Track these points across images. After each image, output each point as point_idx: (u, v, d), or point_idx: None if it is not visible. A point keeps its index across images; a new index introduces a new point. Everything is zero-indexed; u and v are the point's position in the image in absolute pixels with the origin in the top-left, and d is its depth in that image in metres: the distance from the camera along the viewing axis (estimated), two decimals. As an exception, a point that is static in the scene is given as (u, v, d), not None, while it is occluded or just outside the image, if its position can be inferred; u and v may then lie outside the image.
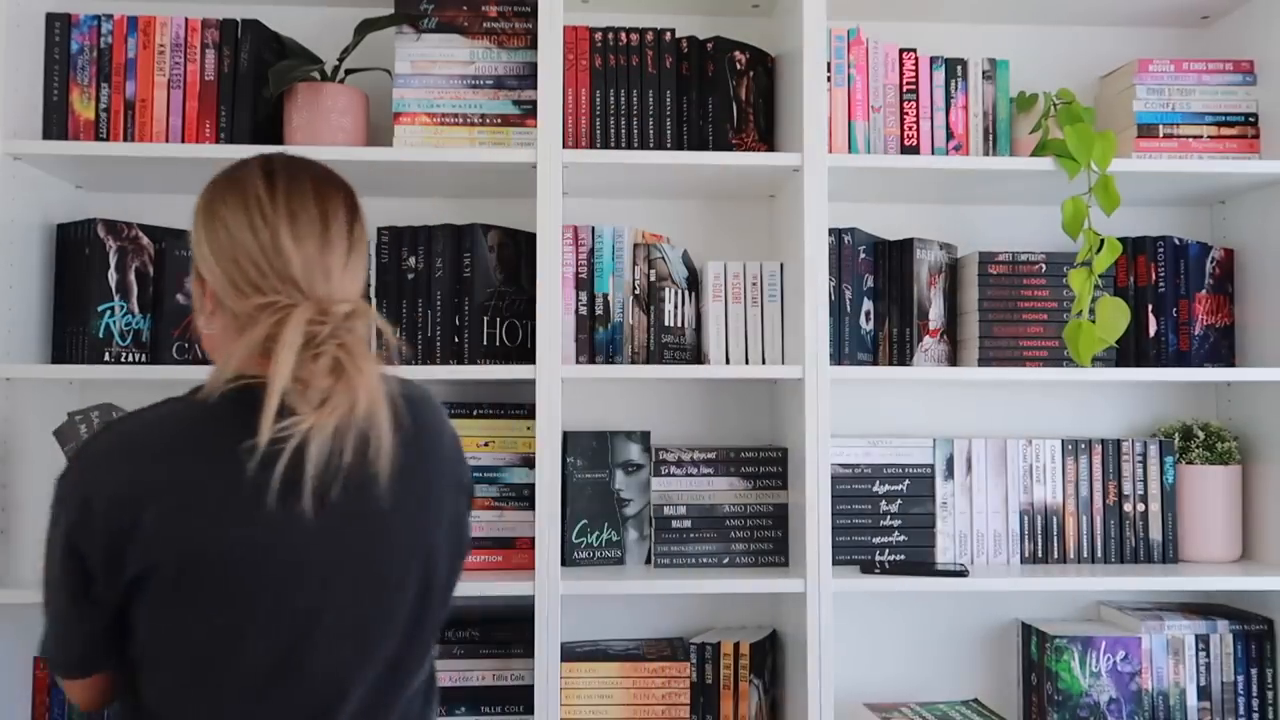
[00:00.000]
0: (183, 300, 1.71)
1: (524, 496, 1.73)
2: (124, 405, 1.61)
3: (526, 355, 1.76)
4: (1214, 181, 1.82)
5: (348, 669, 1.00)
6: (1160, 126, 1.81)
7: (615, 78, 1.75)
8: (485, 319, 1.73)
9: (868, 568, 1.76)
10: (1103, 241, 1.67)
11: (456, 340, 1.71)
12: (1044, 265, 1.80)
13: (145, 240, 1.70)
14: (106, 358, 1.65)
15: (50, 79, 1.69)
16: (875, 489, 1.82)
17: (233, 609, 0.96)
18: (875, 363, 1.83)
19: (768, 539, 1.77)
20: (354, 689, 1.00)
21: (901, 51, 1.81)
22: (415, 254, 1.72)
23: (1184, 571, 1.75)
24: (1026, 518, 1.83)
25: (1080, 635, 1.79)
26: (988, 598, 1.96)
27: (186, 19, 1.71)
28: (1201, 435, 1.86)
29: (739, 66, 1.80)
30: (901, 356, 1.81)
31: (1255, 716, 1.79)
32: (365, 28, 1.69)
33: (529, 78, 1.71)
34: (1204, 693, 1.79)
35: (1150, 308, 1.84)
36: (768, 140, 1.84)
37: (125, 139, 1.69)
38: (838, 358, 1.76)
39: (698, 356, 1.81)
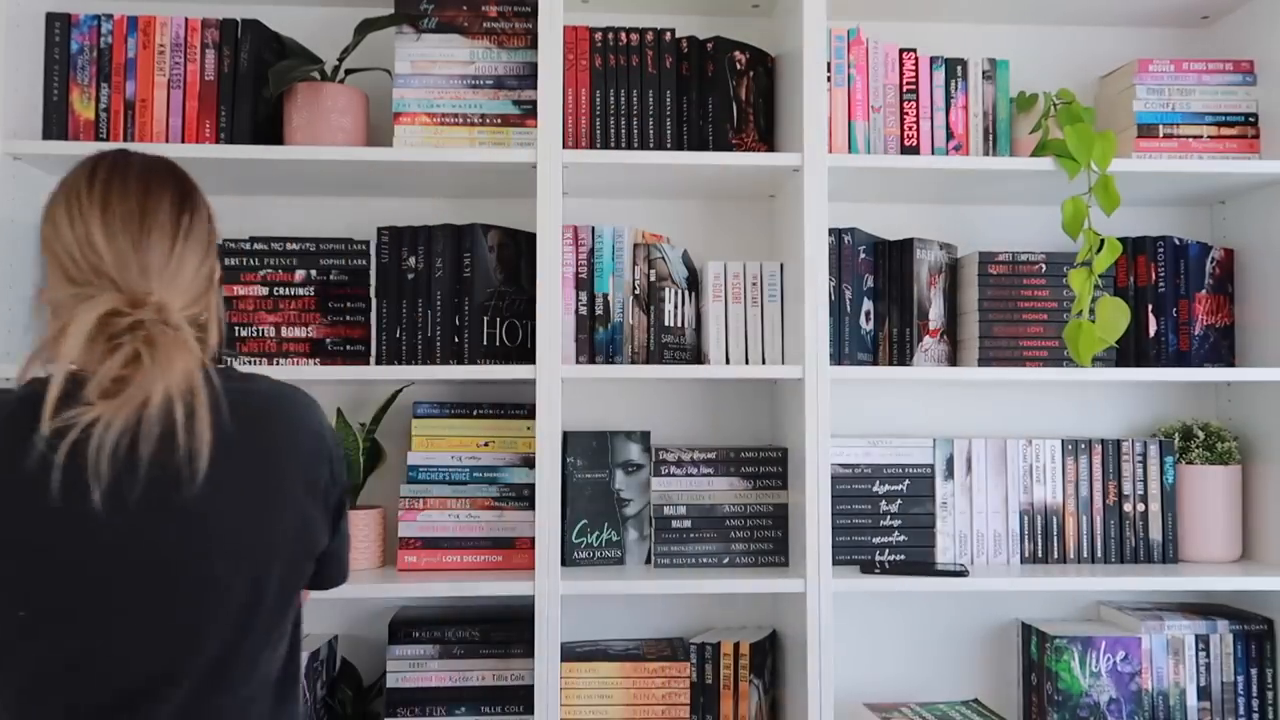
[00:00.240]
0: (183, 300, 1.71)
1: (524, 496, 1.73)
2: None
3: (526, 355, 1.76)
4: (1214, 181, 1.82)
5: (157, 668, 0.98)
6: (1160, 126, 1.81)
7: (615, 78, 1.75)
8: (485, 319, 1.73)
9: (868, 568, 1.76)
10: (1103, 241, 1.67)
11: (456, 340, 1.71)
12: (1044, 265, 1.80)
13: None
14: (106, 358, 1.64)
15: (50, 79, 1.69)
16: (875, 489, 1.82)
17: (19, 605, 0.95)
18: (875, 363, 1.83)
19: (768, 539, 1.77)
20: (168, 689, 0.98)
21: (901, 51, 1.81)
22: (415, 254, 1.72)
23: (1184, 571, 1.75)
24: (1026, 518, 1.83)
25: (1080, 635, 1.79)
26: (988, 598, 1.96)
27: (186, 19, 1.71)
28: (1201, 435, 1.86)
29: (739, 66, 1.80)
30: (901, 356, 1.81)
31: (1255, 716, 1.79)
32: (365, 28, 1.69)
33: (529, 78, 1.71)
34: (1204, 693, 1.79)
35: (1150, 308, 1.84)
36: (768, 140, 1.84)
37: (125, 139, 1.69)
38: (838, 358, 1.76)
39: (698, 356, 1.81)
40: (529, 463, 1.74)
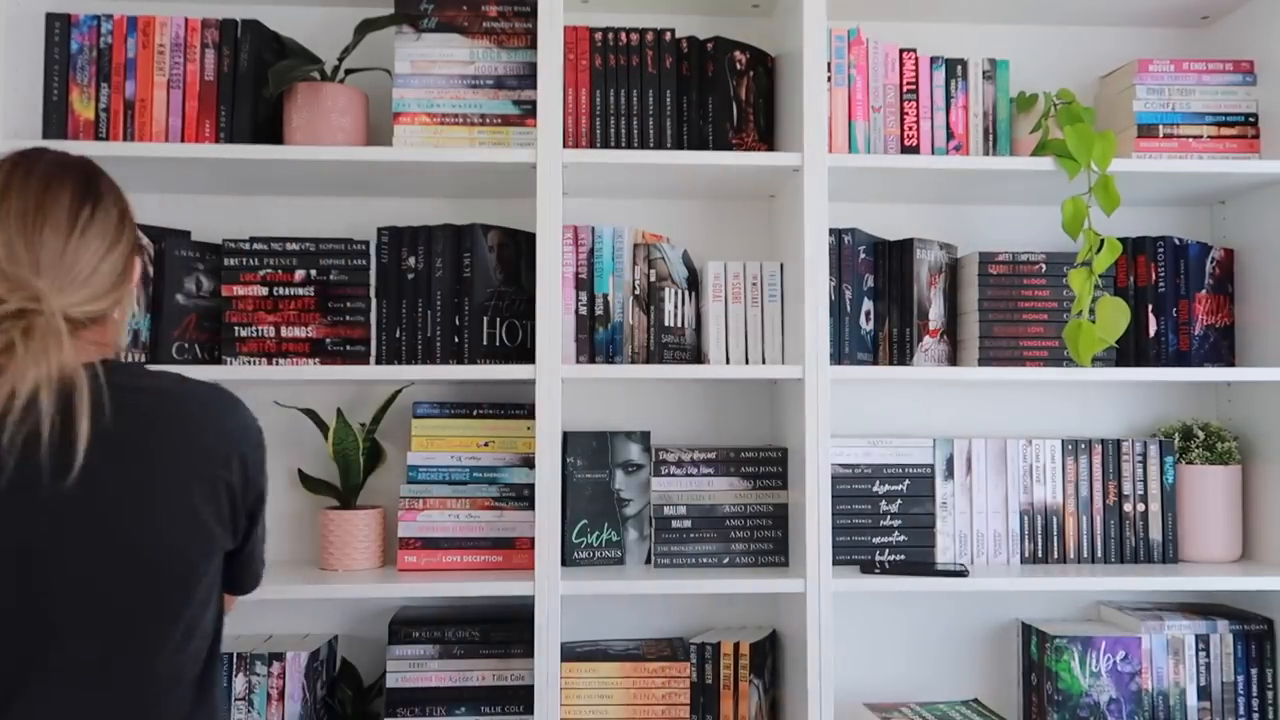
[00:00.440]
0: (182, 300, 1.71)
1: (524, 496, 1.73)
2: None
3: (526, 355, 1.76)
4: (1214, 181, 1.82)
5: (20, 660, 0.98)
6: (1160, 126, 1.81)
7: (615, 78, 1.75)
8: (485, 319, 1.73)
9: (868, 568, 1.76)
10: (1103, 241, 1.67)
11: (456, 340, 1.71)
12: (1044, 265, 1.80)
13: (145, 240, 1.70)
14: (106, 358, 1.65)
15: (50, 79, 1.69)
16: (875, 489, 1.82)
17: None
18: (875, 363, 1.83)
19: (768, 539, 1.77)
20: (41, 688, 0.98)
21: (901, 51, 1.81)
22: (415, 254, 1.72)
23: (1184, 571, 1.75)
24: (1026, 518, 1.83)
25: (1080, 635, 1.79)
26: (988, 598, 1.96)
27: (186, 19, 1.71)
28: (1201, 435, 1.86)
29: (739, 66, 1.80)
30: (901, 356, 1.81)
31: (1255, 716, 1.79)
32: (365, 28, 1.69)
33: (529, 78, 1.71)
34: (1204, 693, 1.79)
35: (1150, 308, 1.84)
36: (768, 140, 1.84)
37: (125, 139, 1.69)
38: (838, 358, 1.76)
39: (698, 356, 1.81)
40: (529, 463, 1.74)
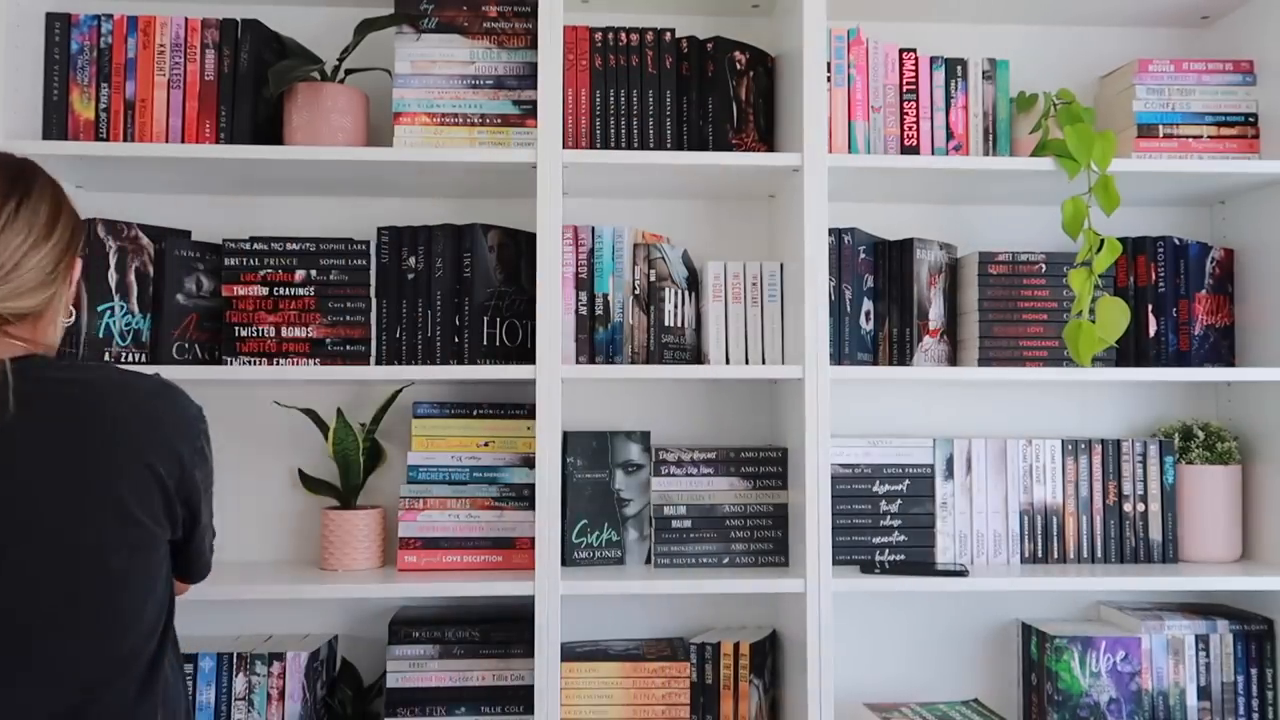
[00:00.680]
0: (183, 300, 1.71)
1: (524, 496, 1.73)
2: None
3: (526, 355, 1.76)
4: (1214, 181, 1.82)
5: None
6: (1160, 126, 1.81)
7: (615, 78, 1.75)
8: (485, 319, 1.73)
9: (868, 568, 1.76)
10: (1103, 241, 1.67)
11: (456, 340, 1.71)
12: (1044, 265, 1.80)
13: (145, 240, 1.70)
14: (106, 358, 1.65)
15: (50, 79, 1.69)
16: (875, 489, 1.82)
17: None
18: (875, 363, 1.83)
19: (768, 539, 1.77)
20: None
21: (901, 51, 1.81)
22: (415, 254, 1.72)
23: (1184, 571, 1.75)
24: (1026, 518, 1.83)
25: (1080, 635, 1.79)
26: (988, 598, 1.96)
27: (186, 19, 1.71)
28: (1201, 435, 1.86)
29: (739, 66, 1.80)
30: (901, 356, 1.81)
31: (1255, 716, 1.79)
32: (365, 28, 1.69)
33: (529, 78, 1.71)
34: (1204, 693, 1.79)
35: (1150, 308, 1.84)
36: (768, 140, 1.84)
37: (125, 139, 1.69)
38: (838, 358, 1.76)
39: (698, 356, 1.81)
40: (529, 463, 1.74)
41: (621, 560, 1.79)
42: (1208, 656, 1.79)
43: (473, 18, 1.72)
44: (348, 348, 1.70)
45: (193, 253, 1.73)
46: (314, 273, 1.71)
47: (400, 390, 1.83)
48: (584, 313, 1.75)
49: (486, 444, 1.75)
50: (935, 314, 1.81)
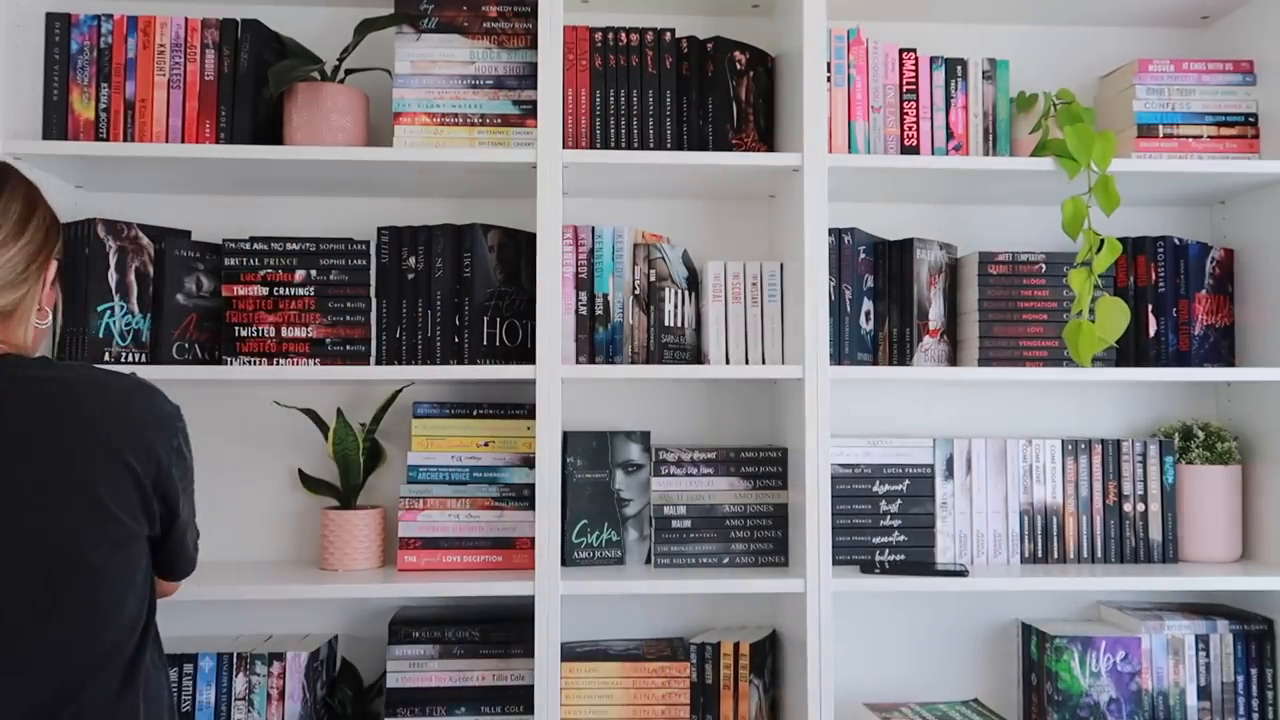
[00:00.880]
0: (183, 300, 1.71)
1: (524, 496, 1.73)
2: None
3: (526, 355, 1.76)
4: (1214, 181, 1.82)
5: None
6: (1160, 126, 1.81)
7: (615, 78, 1.75)
8: (485, 319, 1.73)
9: (868, 568, 1.76)
10: (1103, 241, 1.67)
11: (456, 340, 1.71)
12: (1044, 265, 1.80)
13: (145, 240, 1.70)
14: (106, 358, 1.65)
15: (50, 79, 1.69)
16: (875, 489, 1.82)
17: None
18: (875, 363, 1.83)
19: (768, 539, 1.77)
20: None
21: (901, 51, 1.81)
22: (415, 254, 1.72)
23: (1184, 571, 1.75)
24: (1026, 518, 1.83)
25: (1080, 635, 1.79)
26: (988, 598, 1.96)
27: (186, 19, 1.71)
28: (1201, 435, 1.86)
29: (739, 66, 1.80)
30: (901, 356, 1.81)
31: (1255, 716, 1.79)
32: (365, 28, 1.69)
33: (529, 78, 1.71)
34: (1204, 693, 1.79)
35: (1150, 308, 1.84)
36: (768, 140, 1.84)
37: (125, 139, 1.69)
38: (838, 358, 1.76)
39: (698, 356, 1.81)
40: (529, 463, 1.74)
41: (621, 560, 1.79)
42: (1208, 656, 1.79)
43: (473, 18, 1.72)
44: (348, 348, 1.70)
45: (193, 253, 1.73)
46: (314, 273, 1.71)
47: (400, 390, 1.83)
48: (584, 313, 1.75)
49: (486, 444, 1.75)
50: (935, 314, 1.81)
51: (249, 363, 1.68)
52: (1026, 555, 1.83)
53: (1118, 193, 1.68)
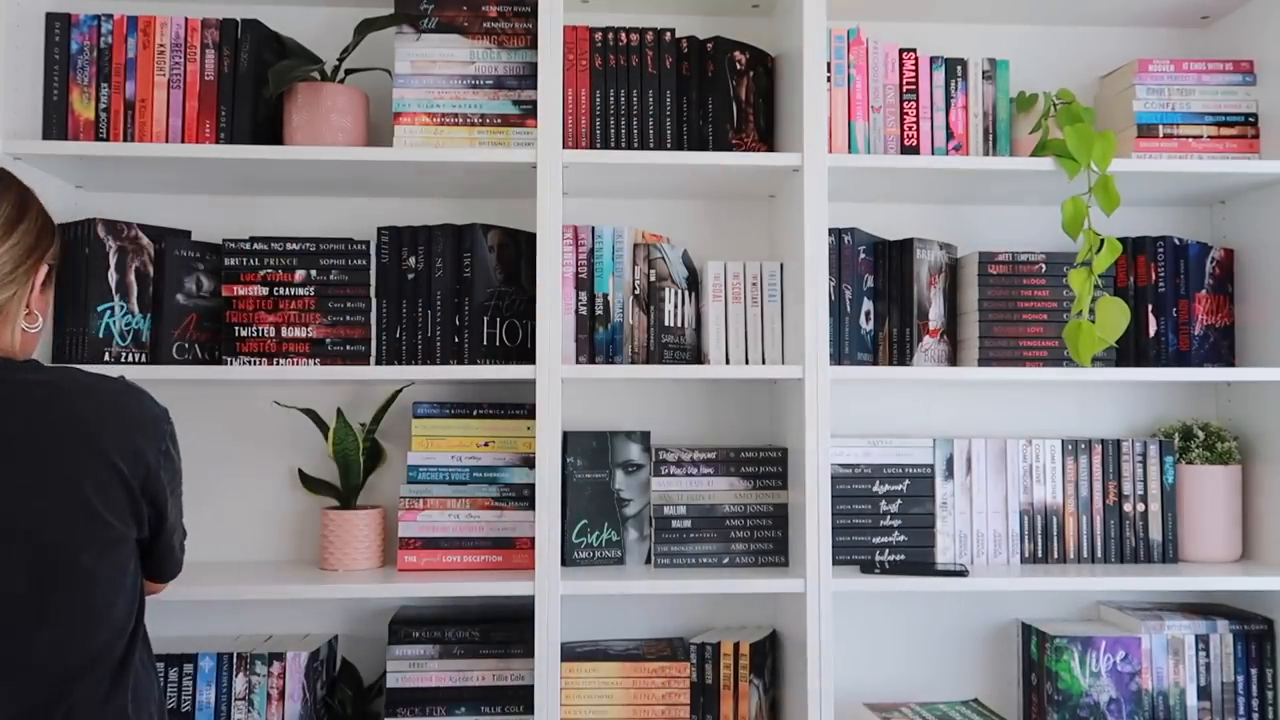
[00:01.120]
0: (183, 300, 1.71)
1: (524, 496, 1.73)
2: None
3: (526, 355, 1.76)
4: (1214, 181, 1.82)
5: None
6: (1160, 126, 1.81)
7: (615, 78, 1.75)
8: (485, 319, 1.73)
9: (868, 568, 1.76)
10: (1103, 241, 1.67)
11: (456, 340, 1.71)
12: (1044, 265, 1.80)
13: (145, 240, 1.70)
14: (106, 358, 1.65)
15: (50, 79, 1.69)
16: (875, 489, 1.82)
17: None
18: (875, 363, 1.83)
19: (768, 539, 1.77)
20: None
21: (901, 51, 1.81)
22: (415, 254, 1.72)
23: (1184, 571, 1.75)
24: (1026, 518, 1.83)
25: (1080, 635, 1.79)
26: (988, 598, 1.96)
27: (186, 19, 1.71)
28: (1201, 435, 1.86)
29: (739, 66, 1.80)
30: (901, 356, 1.81)
31: (1255, 716, 1.79)
32: (365, 28, 1.69)
33: (529, 78, 1.71)
34: (1204, 693, 1.79)
35: (1150, 308, 1.84)
36: (768, 140, 1.84)
37: (125, 139, 1.69)
38: (838, 358, 1.76)
39: (698, 356, 1.81)
40: (529, 463, 1.74)
41: (621, 560, 1.79)
42: (1208, 656, 1.79)
43: (473, 18, 1.72)
44: (348, 348, 1.70)
45: (193, 253, 1.73)
46: (314, 273, 1.71)
47: (400, 390, 1.83)
48: (584, 313, 1.75)
49: (486, 444, 1.75)
50: (935, 314, 1.81)
51: (249, 363, 1.68)
52: (1026, 555, 1.83)
53: (1118, 193, 1.68)
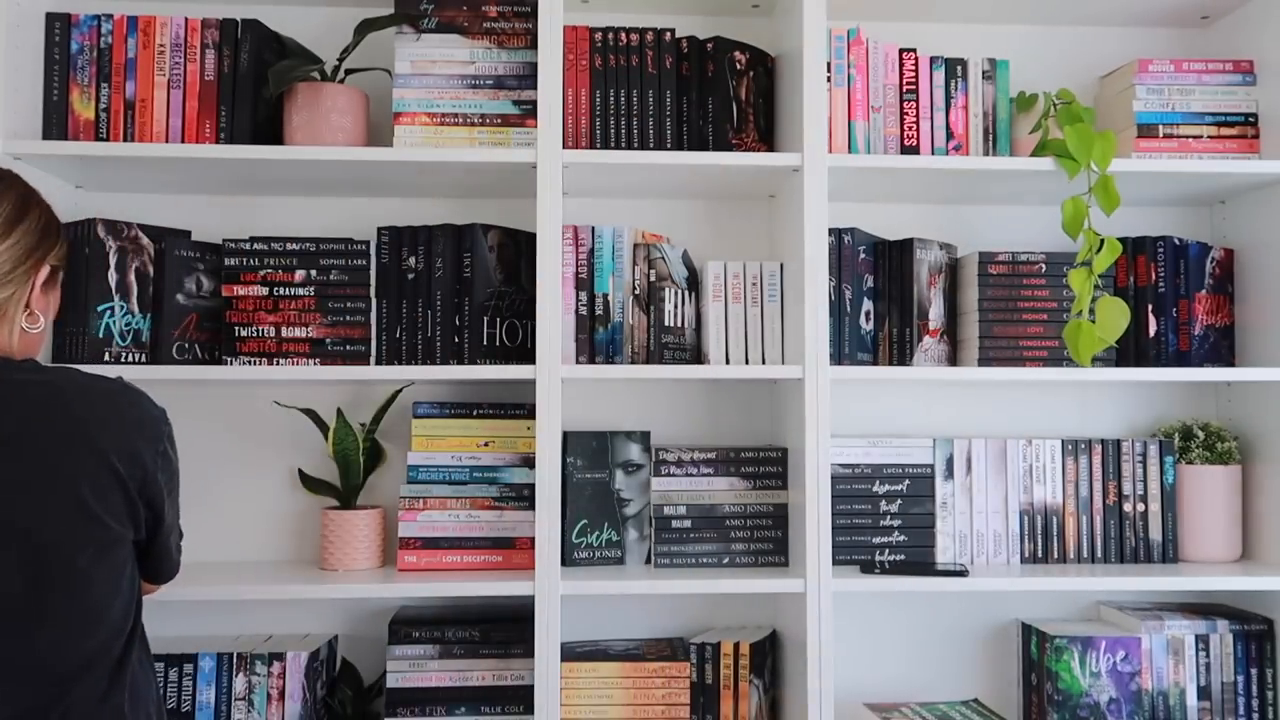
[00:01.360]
0: (183, 300, 1.71)
1: (524, 496, 1.73)
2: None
3: (526, 355, 1.76)
4: (1214, 181, 1.82)
5: None
6: (1160, 126, 1.81)
7: (615, 78, 1.75)
8: (485, 319, 1.73)
9: (868, 568, 1.76)
10: (1103, 241, 1.67)
11: (456, 340, 1.71)
12: (1044, 265, 1.80)
13: (145, 240, 1.70)
14: (106, 358, 1.65)
15: (50, 79, 1.69)
16: (875, 489, 1.82)
17: None
18: (875, 363, 1.82)
19: (768, 539, 1.77)
20: None
21: (901, 51, 1.81)
22: (415, 254, 1.72)
23: (1184, 571, 1.75)
24: (1026, 518, 1.83)
25: (1080, 635, 1.79)
26: (988, 598, 1.96)
27: (186, 19, 1.71)
28: (1201, 435, 1.86)
29: (739, 66, 1.80)
30: (901, 356, 1.81)
31: (1255, 716, 1.79)
32: (365, 28, 1.69)
33: (529, 78, 1.71)
34: (1204, 693, 1.79)
35: (1150, 308, 1.84)
36: (768, 140, 1.84)
37: (125, 139, 1.69)
38: (838, 358, 1.76)
39: (698, 356, 1.81)
40: (529, 463, 1.74)
41: (621, 560, 1.79)
42: (1208, 656, 1.79)
43: (473, 18, 1.72)
44: (348, 348, 1.70)
45: (193, 253, 1.73)
46: (314, 273, 1.71)
47: (400, 390, 1.83)
48: (584, 313, 1.75)
49: (486, 444, 1.75)
50: (935, 314, 1.81)
51: (249, 363, 1.68)
52: (1026, 555, 1.83)
53: (1118, 193, 1.68)
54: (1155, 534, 1.83)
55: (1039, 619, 1.93)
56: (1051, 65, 2.02)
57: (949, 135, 1.82)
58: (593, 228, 1.76)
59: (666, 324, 1.76)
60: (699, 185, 1.85)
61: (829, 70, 1.74)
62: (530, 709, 1.68)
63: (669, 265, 1.79)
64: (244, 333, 1.69)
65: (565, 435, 1.77)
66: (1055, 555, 1.83)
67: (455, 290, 1.72)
